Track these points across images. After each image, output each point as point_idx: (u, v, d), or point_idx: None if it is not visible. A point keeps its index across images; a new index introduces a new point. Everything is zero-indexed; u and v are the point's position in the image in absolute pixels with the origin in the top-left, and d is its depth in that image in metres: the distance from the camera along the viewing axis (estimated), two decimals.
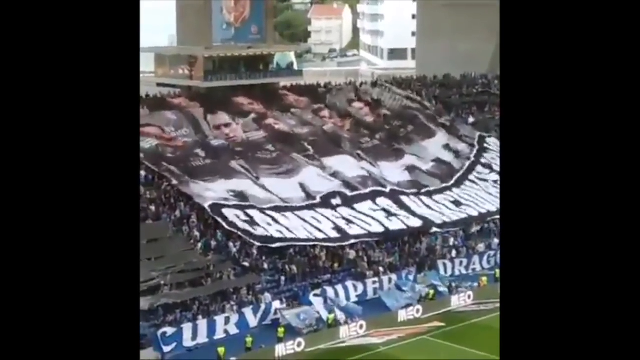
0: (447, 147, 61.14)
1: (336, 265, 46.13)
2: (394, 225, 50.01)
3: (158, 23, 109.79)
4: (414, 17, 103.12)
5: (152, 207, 46.24)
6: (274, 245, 45.11)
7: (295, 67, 65.08)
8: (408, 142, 60.44)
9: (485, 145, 61.28)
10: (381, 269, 46.49)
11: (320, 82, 68.21)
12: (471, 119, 65.87)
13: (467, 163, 59.39)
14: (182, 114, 55.21)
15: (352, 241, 47.54)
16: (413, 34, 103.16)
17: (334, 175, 53.33)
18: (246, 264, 43.79)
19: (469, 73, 72.84)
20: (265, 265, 44.29)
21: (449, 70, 72.85)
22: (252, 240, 44.59)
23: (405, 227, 50.20)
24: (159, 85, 62.45)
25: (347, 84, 68.56)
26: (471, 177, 57.90)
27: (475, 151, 60.78)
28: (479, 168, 59.03)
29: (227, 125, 55.58)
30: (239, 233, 44.84)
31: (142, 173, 48.33)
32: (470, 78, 72.80)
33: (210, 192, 48.00)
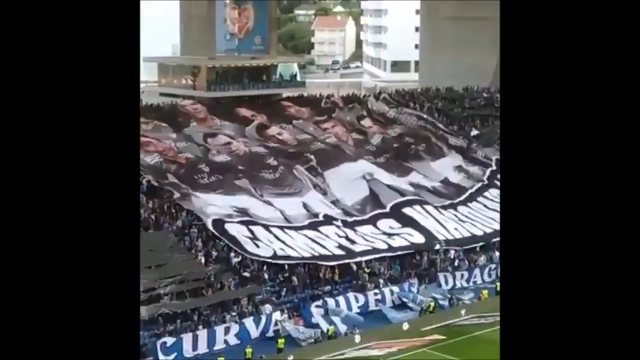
0: (458, 168, 60.28)
1: (337, 277, 46.02)
2: (397, 242, 49.65)
3: (161, 33, 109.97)
4: (417, 29, 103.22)
5: (153, 217, 46.20)
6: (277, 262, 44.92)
7: (298, 78, 65.21)
8: (416, 160, 59.64)
9: None
10: (382, 281, 46.42)
11: (324, 93, 68.05)
12: (474, 132, 65.80)
13: (478, 185, 58.31)
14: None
15: (358, 259, 47.03)
16: (416, 46, 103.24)
17: (335, 203, 52.55)
18: (247, 274, 43.73)
19: (472, 86, 72.90)
20: (266, 276, 44.21)
21: (452, 83, 72.89)
22: (255, 258, 44.31)
23: (408, 243, 49.80)
24: (161, 94, 62.57)
25: (350, 95, 68.54)
26: (480, 198, 57.13)
27: (488, 173, 59.79)
28: (491, 190, 57.62)
29: (228, 143, 55.32)
30: (241, 251, 44.41)
31: (144, 183, 48.46)
32: (473, 91, 72.85)
33: (213, 206, 47.76)
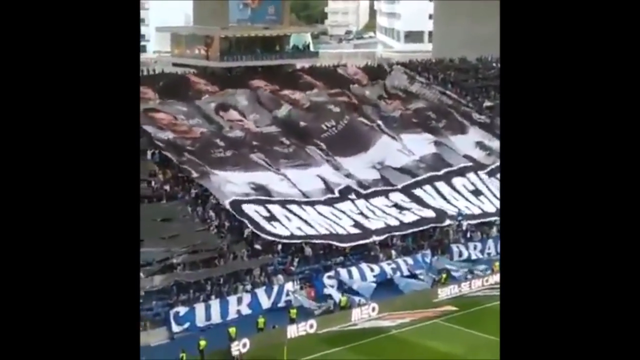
0: (479, 144, 59.45)
1: (349, 248, 46.00)
2: (409, 217, 49.43)
3: (174, 2, 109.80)
4: None
5: (167, 187, 46.26)
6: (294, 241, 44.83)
7: (312, 48, 64.94)
8: (437, 136, 58.69)
9: None
10: (394, 252, 46.44)
11: (338, 64, 67.65)
12: (487, 103, 65.40)
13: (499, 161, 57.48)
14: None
15: (374, 237, 46.73)
16: (430, 16, 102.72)
17: (348, 176, 52.22)
18: (259, 245, 43.76)
19: (486, 57, 72.43)
20: (279, 247, 44.25)
21: (465, 54, 72.47)
22: (272, 238, 44.12)
23: (421, 218, 49.55)
24: (174, 65, 62.48)
25: (372, 66, 67.94)
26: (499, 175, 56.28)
27: None
28: None
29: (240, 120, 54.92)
30: (258, 232, 44.18)
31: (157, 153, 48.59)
32: (487, 61, 72.42)
33: (231, 184, 47.57)
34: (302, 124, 55.91)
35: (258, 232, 44.10)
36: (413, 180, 53.22)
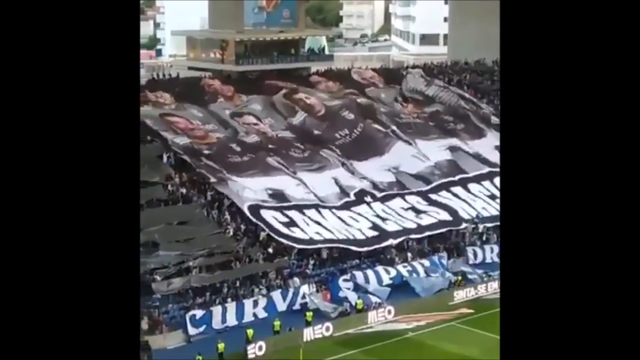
0: (498, 148, 59.19)
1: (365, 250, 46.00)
2: (425, 220, 49.48)
3: (190, 6, 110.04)
4: (446, 1, 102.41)
5: (183, 190, 46.33)
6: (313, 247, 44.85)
7: (327, 51, 64.94)
8: (454, 139, 58.32)
9: None
10: (410, 254, 46.40)
11: (353, 67, 67.53)
12: None
13: None
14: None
15: (391, 240, 46.80)
16: (445, 19, 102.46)
17: (364, 178, 52.10)
18: (275, 248, 43.78)
19: None
20: (295, 250, 44.26)
21: (481, 56, 72.20)
22: (291, 243, 44.17)
23: (437, 220, 49.54)
24: (190, 68, 62.61)
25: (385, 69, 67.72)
26: None
27: None
28: None
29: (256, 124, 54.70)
30: (278, 237, 44.20)
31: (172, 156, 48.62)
32: None
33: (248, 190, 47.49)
34: (316, 128, 55.79)
35: (278, 238, 44.12)
36: (429, 186, 53.02)
